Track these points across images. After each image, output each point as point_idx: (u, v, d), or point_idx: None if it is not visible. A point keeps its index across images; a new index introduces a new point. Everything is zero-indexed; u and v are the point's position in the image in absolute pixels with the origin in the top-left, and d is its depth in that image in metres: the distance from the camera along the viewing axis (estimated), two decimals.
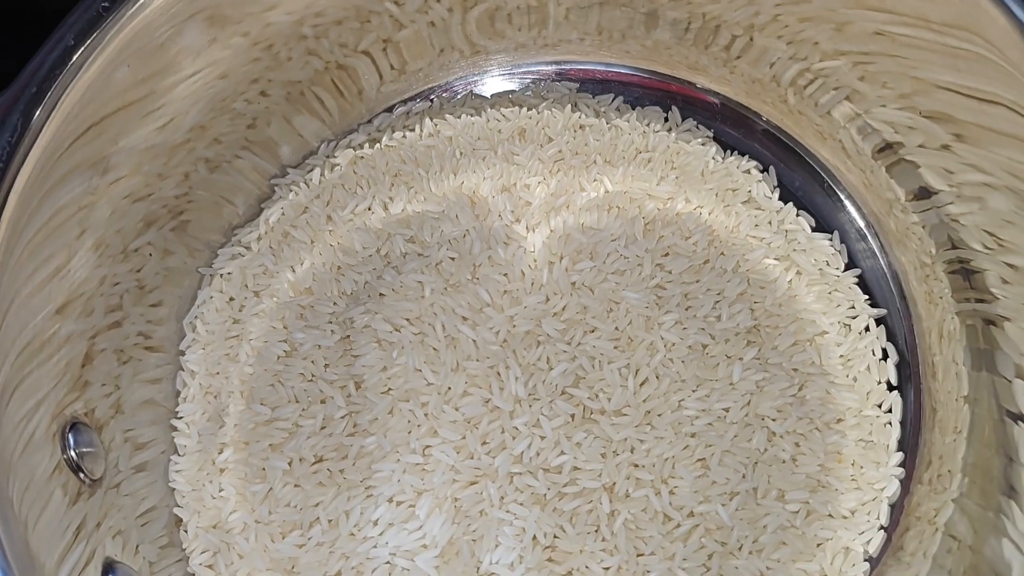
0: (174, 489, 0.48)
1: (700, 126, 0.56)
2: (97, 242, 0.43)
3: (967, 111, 0.41)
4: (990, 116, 0.40)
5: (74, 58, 0.38)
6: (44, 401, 0.39)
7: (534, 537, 0.44)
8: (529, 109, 0.56)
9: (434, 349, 0.47)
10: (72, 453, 0.40)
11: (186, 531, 0.47)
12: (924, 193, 0.47)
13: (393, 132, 0.56)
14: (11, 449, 0.36)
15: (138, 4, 0.39)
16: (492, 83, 0.58)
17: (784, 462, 0.46)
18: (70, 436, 0.40)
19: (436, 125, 0.56)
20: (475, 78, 0.58)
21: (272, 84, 0.51)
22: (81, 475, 0.40)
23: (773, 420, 0.47)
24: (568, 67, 0.58)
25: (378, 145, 0.56)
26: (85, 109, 0.40)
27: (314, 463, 0.46)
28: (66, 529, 0.38)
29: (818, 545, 0.45)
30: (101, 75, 0.40)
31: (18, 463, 0.36)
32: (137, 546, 0.44)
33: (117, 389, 0.46)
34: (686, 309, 0.49)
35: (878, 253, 0.52)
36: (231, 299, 0.52)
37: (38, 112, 0.38)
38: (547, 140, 0.55)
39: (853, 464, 0.47)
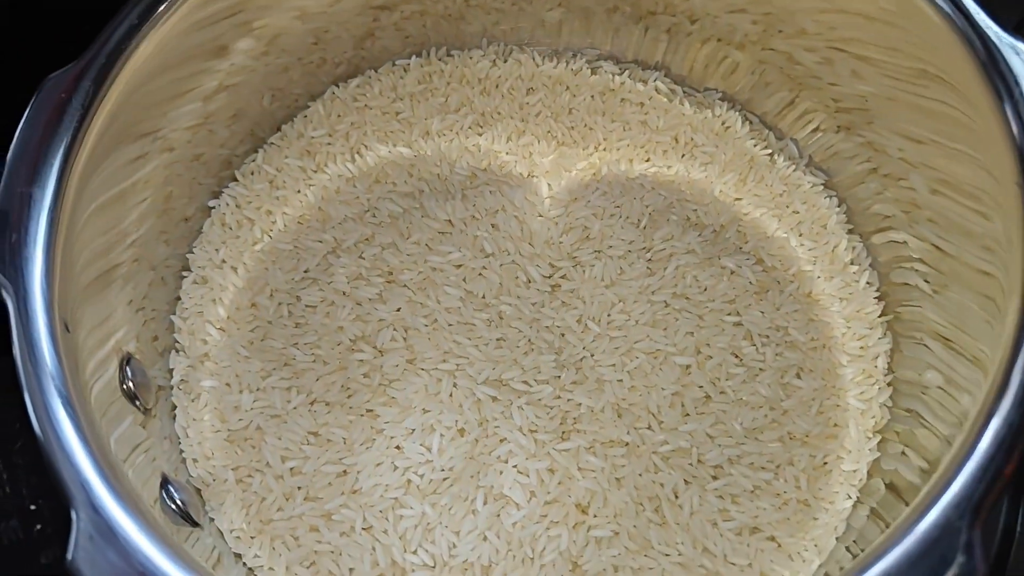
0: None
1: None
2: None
3: None
4: None
5: (136, 36, 0.44)
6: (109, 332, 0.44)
7: None
8: None
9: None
10: (130, 384, 0.44)
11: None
12: None
13: None
14: (85, 372, 0.40)
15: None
16: None
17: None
18: (128, 368, 0.45)
19: None
20: None
21: None
22: (136, 403, 0.45)
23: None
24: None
25: None
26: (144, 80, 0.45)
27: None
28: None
29: None
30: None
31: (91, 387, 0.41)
32: None
33: None
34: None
35: None
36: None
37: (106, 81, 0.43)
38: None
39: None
